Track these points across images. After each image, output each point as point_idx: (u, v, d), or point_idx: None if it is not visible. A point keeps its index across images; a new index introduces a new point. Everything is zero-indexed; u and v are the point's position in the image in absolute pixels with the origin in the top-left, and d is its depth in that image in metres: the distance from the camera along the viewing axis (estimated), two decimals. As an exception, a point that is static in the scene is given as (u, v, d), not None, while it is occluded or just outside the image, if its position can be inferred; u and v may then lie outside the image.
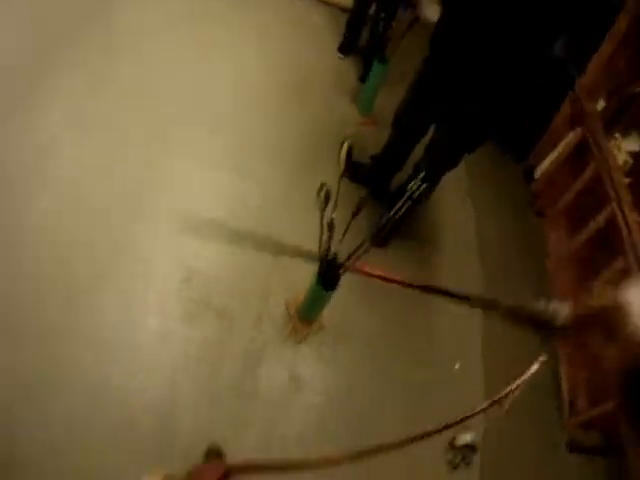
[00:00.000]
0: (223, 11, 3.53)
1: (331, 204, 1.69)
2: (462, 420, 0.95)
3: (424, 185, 1.67)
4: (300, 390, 2.05)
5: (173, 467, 1.04)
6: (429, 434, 0.90)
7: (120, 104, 2.66)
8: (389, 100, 2.76)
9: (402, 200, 1.70)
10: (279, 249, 2.41)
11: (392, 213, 1.73)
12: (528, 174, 3.37)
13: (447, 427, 0.91)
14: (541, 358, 1.06)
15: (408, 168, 2.54)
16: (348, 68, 3.60)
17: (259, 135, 2.89)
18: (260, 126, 2.94)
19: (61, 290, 1.95)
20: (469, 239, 2.96)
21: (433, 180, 2.21)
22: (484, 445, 2.00)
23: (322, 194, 1.66)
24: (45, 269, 1.98)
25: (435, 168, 1.91)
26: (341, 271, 1.86)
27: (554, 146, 3.17)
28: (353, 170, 2.59)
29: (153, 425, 1.76)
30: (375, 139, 2.84)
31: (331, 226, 1.70)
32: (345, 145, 1.66)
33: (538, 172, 3.31)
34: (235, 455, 1.53)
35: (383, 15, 2.98)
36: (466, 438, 0.85)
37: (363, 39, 3.62)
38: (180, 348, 1.97)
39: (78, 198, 2.24)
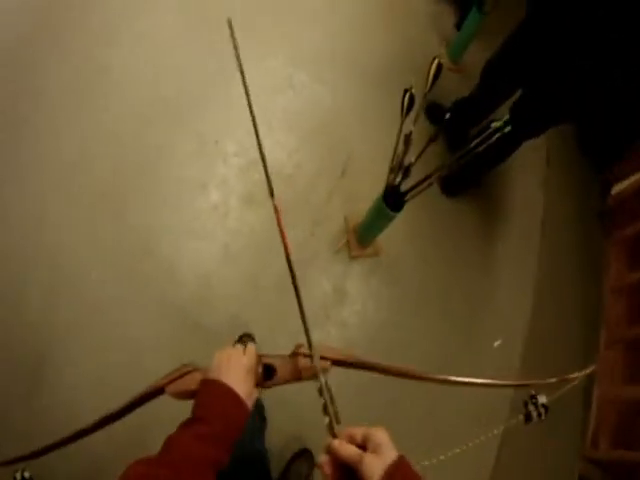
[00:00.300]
0: None
1: (412, 115, 1.51)
2: (528, 384, 0.96)
3: (508, 127, 1.47)
4: (340, 305, 2.00)
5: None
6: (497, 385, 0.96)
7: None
8: (480, 53, 2.52)
9: (483, 136, 1.50)
10: (347, 159, 2.28)
11: (470, 146, 1.54)
12: (605, 187, 2.97)
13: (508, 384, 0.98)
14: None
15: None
16: (446, 12, 3.21)
17: (343, 43, 2.67)
18: (346, 35, 2.72)
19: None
20: (532, 229, 2.65)
21: (513, 142, 2.07)
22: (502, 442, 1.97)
23: (406, 98, 1.48)
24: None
25: (516, 130, 1.68)
26: (407, 197, 1.69)
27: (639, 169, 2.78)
28: (433, 110, 2.46)
29: (193, 301, 1.83)
30: (459, 88, 2.59)
31: (408, 139, 1.52)
32: (436, 61, 1.44)
33: (616, 189, 2.91)
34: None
35: None
36: (543, 399, 0.83)
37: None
38: (235, 226, 1.98)
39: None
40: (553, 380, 0.97)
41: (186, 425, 0.75)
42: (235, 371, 0.82)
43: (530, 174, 2.74)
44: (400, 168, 1.63)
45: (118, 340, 1.73)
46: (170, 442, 0.71)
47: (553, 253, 2.60)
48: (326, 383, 0.76)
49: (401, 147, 1.58)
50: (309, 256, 2.00)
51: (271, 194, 0.91)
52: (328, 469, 0.68)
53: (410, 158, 1.58)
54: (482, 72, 2.25)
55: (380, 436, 0.68)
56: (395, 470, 0.63)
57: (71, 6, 2.31)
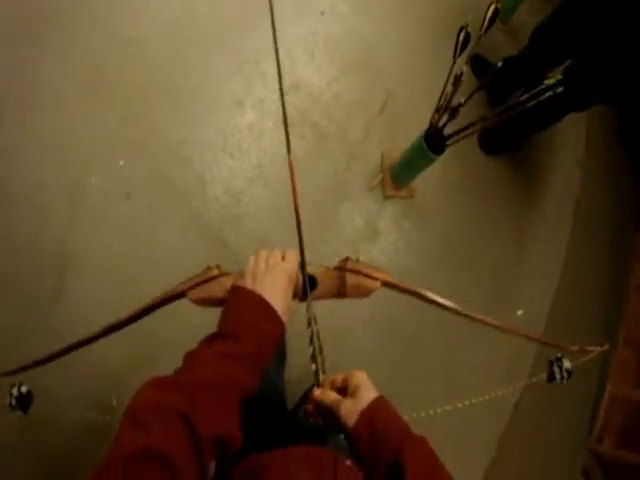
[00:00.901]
0: None
1: (465, 54, 1.42)
2: (553, 344, 0.96)
3: (561, 88, 1.38)
4: (371, 242, 2.00)
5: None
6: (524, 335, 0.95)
7: None
8: (529, 16, 2.43)
9: (534, 91, 1.42)
10: (387, 95, 2.19)
11: (519, 99, 1.47)
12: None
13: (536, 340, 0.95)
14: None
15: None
16: None
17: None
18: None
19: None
20: (566, 205, 2.56)
21: (560, 109, 1.99)
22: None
23: (462, 36, 1.39)
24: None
25: (568, 93, 1.58)
26: (450, 141, 1.63)
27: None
28: (478, 63, 2.32)
29: (221, 219, 1.84)
30: (506, 48, 2.44)
31: (458, 80, 1.45)
32: (492, 7, 1.31)
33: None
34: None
35: None
36: (568, 363, 0.83)
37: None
38: (270, 148, 1.96)
39: None
40: (575, 348, 0.97)
41: (210, 340, 0.63)
42: (273, 279, 0.70)
43: (569, 152, 2.62)
44: (447, 109, 1.55)
45: (140, 251, 1.75)
46: (190, 359, 0.61)
47: (585, 234, 2.54)
48: (317, 332, 0.73)
49: (450, 87, 1.50)
50: (343, 189, 1.98)
51: (288, 151, 0.86)
52: (316, 417, 0.71)
53: (459, 99, 1.50)
54: (531, 36, 2.11)
55: (358, 379, 0.68)
56: (371, 412, 0.64)
57: None
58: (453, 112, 1.53)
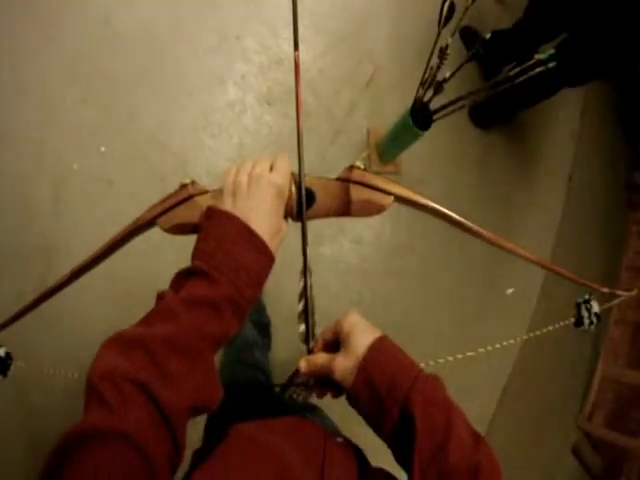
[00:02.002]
0: None
1: (450, 26, 1.36)
2: (585, 284, 0.88)
3: (553, 63, 1.33)
4: (355, 219, 1.96)
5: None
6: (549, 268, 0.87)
7: None
8: None
9: (524, 66, 1.37)
10: (374, 69, 2.11)
11: (509, 74, 1.41)
12: (634, 162, 2.79)
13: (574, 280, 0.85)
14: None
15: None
16: None
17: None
18: None
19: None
20: (559, 179, 2.54)
21: (553, 84, 1.95)
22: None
23: (446, 6, 1.32)
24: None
25: (560, 69, 1.54)
26: (436, 116, 1.58)
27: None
28: (468, 34, 2.25)
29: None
30: (499, 20, 2.37)
31: (443, 53, 1.39)
32: None
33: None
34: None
35: None
36: (596, 307, 0.76)
37: None
38: (251, 126, 1.90)
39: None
40: (606, 289, 0.90)
41: (179, 280, 0.53)
42: (258, 196, 0.56)
43: (563, 125, 2.57)
44: (432, 83, 1.50)
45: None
46: (159, 304, 0.51)
47: (577, 210, 2.52)
48: (311, 287, 0.61)
49: (435, 60, 1.45)
50: (327, 165, 1.93)
51: (296, 47, 0.72)
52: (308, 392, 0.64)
53: (444, 74, 1.45)
54: (526, 8, 2.04)
55: (348, 324, 0.59)
56: (367, 363, 0.55)
57: None
58: (438, 87, 1.48)
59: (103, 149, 1.75)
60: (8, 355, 0.80)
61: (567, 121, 2.58)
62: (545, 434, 2.22)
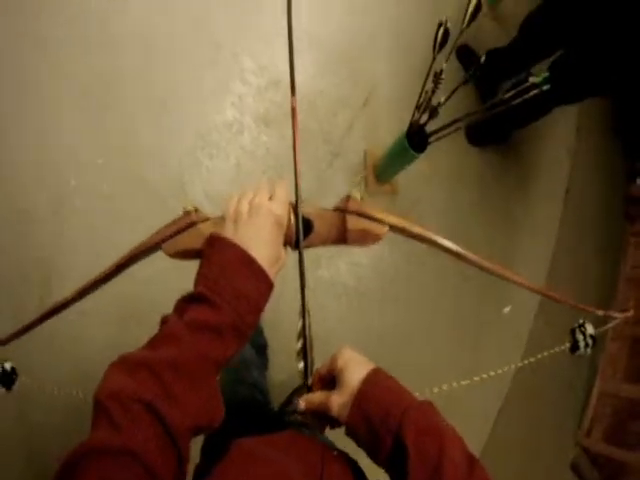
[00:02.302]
0: None
1: (445, 52, 1.38)
2: (581, 308, 0.88)
3: (547, 86, 1.36)
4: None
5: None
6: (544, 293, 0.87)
7: None
8: (520, 5, 2.31)
9: (519, 89, 1.40)
10: (371, 90, 2.13)
11: (504, 98, 1.45)
12: (631, 175, 2.83)
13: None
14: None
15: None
16: None
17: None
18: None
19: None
20: (556, 195, 2.57)
21: (548, 103, 1.97)
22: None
23: (440, 32, 1.34)
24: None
25: (554, 90, 1.57)
26: (431, 139, 1.60)
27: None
28: (465, 54, 2.29)
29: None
30: (495, 38, 2.39)
31: (438, 77, 1.41)
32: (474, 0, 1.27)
33: (640, 180, 2.81)
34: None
35: None
36: (591, 329, 0.76)
37: None
38: (249, 146, 1.90)
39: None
40: (601, 312, 0.91)
41: (183, 305, 0.55)
42: (258, 225, 0.58)
43: (559, 140, 2.61)
44: (427, 107, 1.52)
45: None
46: (163, 328, 0.53)
47: (574, 225, 2.55)
48: (309, 326, 0.63)
49: (430, 85, 1.47)
50: (325, 188, 1.94)
51: (292, 93, 0.73)
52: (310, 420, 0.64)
53: (439, 98, 1.47)
54: (521, 26, 2.07)
55: (341, 360, 0.61)
56: (362, 397, 0.56)
57: None
58: (433, 112, 1.49)
59: (100, 161, 1.74)
60: (13, 370, 0.81)
61: (563, 137, 2.61)
62: (543, 451, 2.22)
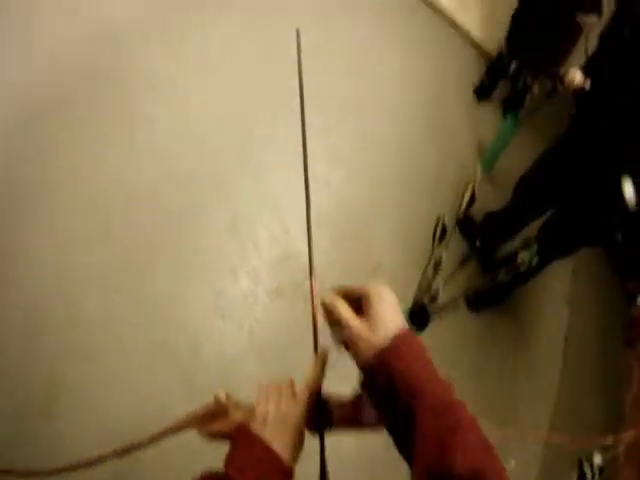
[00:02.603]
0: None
1: (444, 242, 1.56)
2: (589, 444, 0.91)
3: (536, 259, 1.52)
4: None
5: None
6: None
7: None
8: (513, 163, 2.61)
9: (510, 267, 1.55)
10: (377, 264, 2.32)
11: (497, 278, 1.59)
12: (630, 297, 3.02)
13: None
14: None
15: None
16: (484, 114, 3.41)
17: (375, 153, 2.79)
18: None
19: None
20: (555, 345, 2.68)
21: (541, 262, 2.04)
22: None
23: (439, 228, 1.53)
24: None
25: (546, 250, 1.72)
26: (431, 318, 1.71)
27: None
28: (465, 224, 2.49)
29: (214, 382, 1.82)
30: (492, 198, 2.64)
31: (437, 266, 1.57)
32: (470, 187, 1.49)
33: (640, 301, 2.96)
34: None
35: (525, 75, 2.86)
36: (599, 459, 0.74)
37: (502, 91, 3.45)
38: (262, 316, 2.02)
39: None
40: (610, 440, 0.92)
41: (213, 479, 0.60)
42: (285, 425, 0.65)
43: (556, 288, 2.77)
44: (428, 291, 1.65)
45: (126, 401, 1.73)
46: None
47: (574, 370, 2.58)
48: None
49: (431, 271, 1.61)
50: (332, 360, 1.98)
51: (311, 274, 0.75)
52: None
53: (438, 283, 1.61)
54: (514, 189, 2.30)
55: (379, 297, 0.59)
56: (391, 353, 0.55)
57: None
58: (433, 298, 1.62)
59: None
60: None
61: (560, 282, 2.77)
62: None
